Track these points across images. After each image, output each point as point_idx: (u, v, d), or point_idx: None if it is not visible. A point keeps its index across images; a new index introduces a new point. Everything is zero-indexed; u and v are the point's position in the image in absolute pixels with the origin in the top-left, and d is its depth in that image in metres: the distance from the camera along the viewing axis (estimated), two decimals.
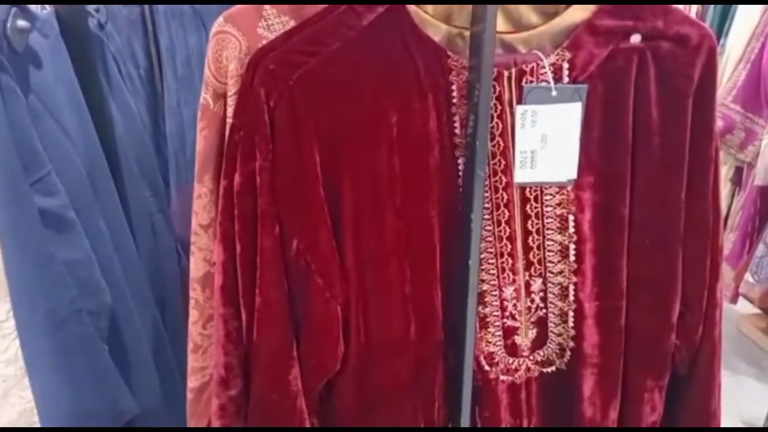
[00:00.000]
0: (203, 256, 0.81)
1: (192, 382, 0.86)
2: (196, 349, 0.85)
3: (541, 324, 0.81)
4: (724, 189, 2.34)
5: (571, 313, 0.80)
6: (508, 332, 0.82)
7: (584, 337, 0.80)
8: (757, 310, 2.76)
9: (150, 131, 1.24)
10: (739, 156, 2.15)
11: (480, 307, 0.80)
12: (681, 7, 0.79)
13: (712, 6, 2.27)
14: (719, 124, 2.01)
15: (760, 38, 2.02)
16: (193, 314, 0.83)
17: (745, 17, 2.06)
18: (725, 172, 2.23)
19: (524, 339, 0.82)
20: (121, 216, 1.10)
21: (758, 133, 2.06)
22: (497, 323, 0.81)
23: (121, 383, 1.05)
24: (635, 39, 0.72)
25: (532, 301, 0.81)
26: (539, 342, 0.83)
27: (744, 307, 2.81)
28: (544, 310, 0.81)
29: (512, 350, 0.82)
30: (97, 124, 1.08)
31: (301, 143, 0.69)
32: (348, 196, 0.71)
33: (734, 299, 2.39)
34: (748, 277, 2.11)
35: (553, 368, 0.84)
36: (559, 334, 0.81)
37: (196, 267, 0.81)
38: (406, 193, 0.73)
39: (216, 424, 0.78)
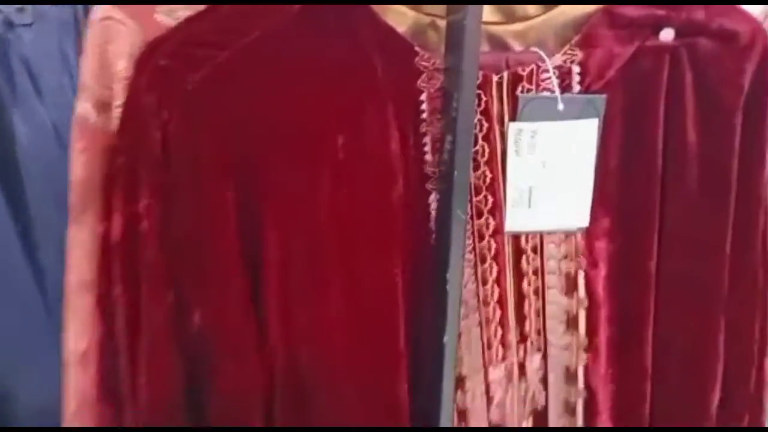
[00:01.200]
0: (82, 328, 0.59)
1: None
2: None
3: (539, 418, 0.61)
4: None
5: (580, 402, 0.60)
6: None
7: None
8: None
9: None
10: None
11: (458, 395, 0.59)
12: None
13: None
14: None
15: None
16: (70, 405, 0.61)
17: None
18: None
19: None
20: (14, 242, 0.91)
21: None
22: (481, 416, 0.60)
23: None
24: (667, 34, 0.53)
25: (528, 386, 0.60)
26: None
27: None
28: (544, 400, 0.61)
29: None
30: None
31: (205, 173, 0.48)
32: (274, 248, 0.50)
33: None
34: None
35: None
36: None
37: (75, 343, 0.59)
38: (358, 242, 0.52)
39: None
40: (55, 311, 0.68)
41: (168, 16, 0.54)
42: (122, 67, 0.54)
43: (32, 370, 0.89)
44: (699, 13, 0.53)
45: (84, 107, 0.56)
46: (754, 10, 0.56)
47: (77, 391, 0.59)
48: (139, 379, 0.51)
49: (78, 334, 0.58)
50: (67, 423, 0.60)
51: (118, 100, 0.55)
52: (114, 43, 0.54)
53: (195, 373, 0.52)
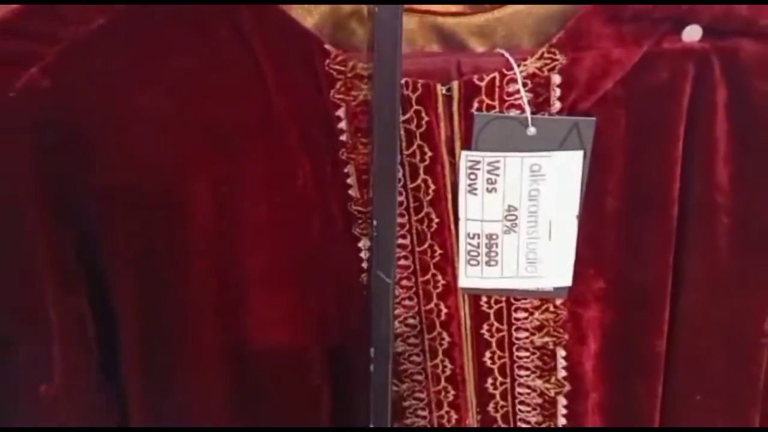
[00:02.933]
0: None
1: None
2: None
3: None
4: None
5: None
6: None
7: None
8: None
9: None
10: None
11: None
12: None
13: None
14: None
15: None
16: None
17: None
18: None
19: None
20: None
21: None
22: None
23: None
24: (692, 33, 0.38)
25: None
26: None
27: None
28: None
29: None
30: None
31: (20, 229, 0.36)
32: (130, 319, 0.38)
33: None
34: None
35: None
36: None
37: None
38: (252, 311, 0.40)
39: None
40: None
41: None
42: None
43: None
44: (739, 7, 0.38)
45: None
46: None
47: None
48: None
49: None
50: None
51: None
52: None
53: None
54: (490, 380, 0.44)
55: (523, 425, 0.45)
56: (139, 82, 0.35)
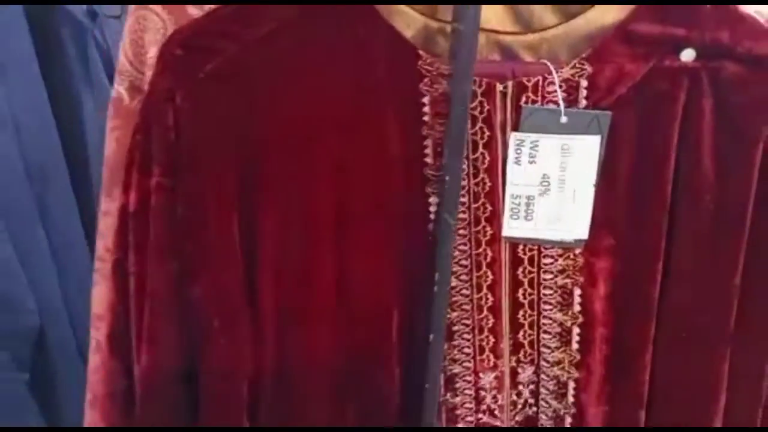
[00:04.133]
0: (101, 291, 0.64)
1: None
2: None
3: (530, 425, 0.61)
4: None
5: (568, 419, 0.59)
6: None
7: None
8: None
9: None
10: None
11: (448, 395, 0.60)
12: None
13: None
14: None
15: None
16: (94, 360, 0.66)
17: None
18: None
19: None
20: (76, 225, 0.96)
21: None
22: (469, 418, 0.61)
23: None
24: (688, 55, 0.51)
25: (519, 394, 0.60)
26: None
27: None
28: (534, 409, 0.60)
29: None
30: (60, 117, 0.95)
31: (210, 157, 0.51)
32: (269, 236, 0.53)
33: None
34: None
35: None
36: None
37: (100, 301, 0.64)
38: (353, 238, 0.54)
39: None
40: None
41: (199, 9, 0.58)
42: (152, 54, 0.58)
43: None
44: (724, 34, 0.51)
45: (119, 90, 0.61)
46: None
47: (93, 348, 0.64)
48: (141, 342, 0.55)
49: (98, 294, 0.64)
50: (88, 378, 0.66)
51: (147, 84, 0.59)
52: (148, 32, 0.58)
53: (191, 345, 0.56)
54: (521, 312, 0.58)
55: (545, 350, 0.59)
56: (293, 71, 0.50)
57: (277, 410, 0.57)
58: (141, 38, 0.59)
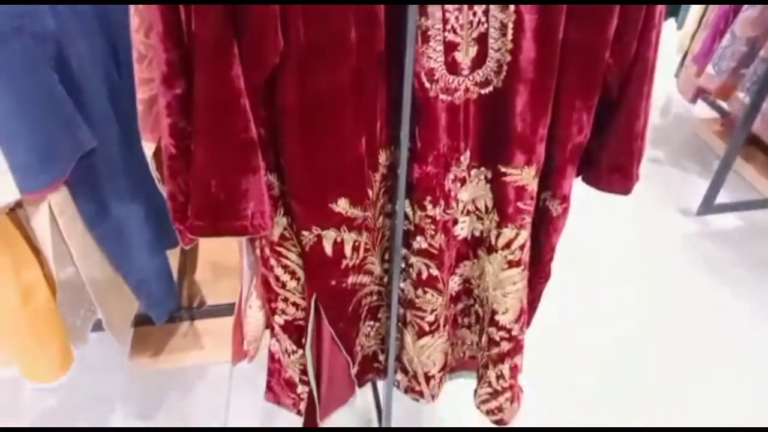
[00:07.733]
0: None
1: (141, 93, 0.88)
2: (141, 60, 0.85)
3: (482, 41, 0.83)
4: None
5: (510, 25, 0.81)
6: (449, 47, 0.83)
7: (522, 50, 0.82)
8: (714, 114, 2.84)
9: None
10: None
11: (422, 19, 0.80)
12: None
13: None
14: None
15: None
16: (134, 22, 0.82)
17: None
18: None
19: (465, 57, 0.84)
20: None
21: None
22: (438, 37, 0.82)
23: (74, 113, 1.07)
24: None
25: (474, 14, 0.81)
26: (479, 61, 0.85)
27: (702, 111, 2.88)
28: (485, 25, 0.82)
29: (452, 68, 0.85)
30: None
31: None
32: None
33: (694, 98, 2.44)
34: (709, 69, 2.13)
35: (491, 88, 0.87)
36: (498, 50, 0.83)
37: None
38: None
39: (164, 122, 0.81)
40: None
41: None
42: None
43: None
44: None
45: None
46: None
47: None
48: None
49: None
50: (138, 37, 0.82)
51: None
52: None
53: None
54: None
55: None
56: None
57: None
58: None
